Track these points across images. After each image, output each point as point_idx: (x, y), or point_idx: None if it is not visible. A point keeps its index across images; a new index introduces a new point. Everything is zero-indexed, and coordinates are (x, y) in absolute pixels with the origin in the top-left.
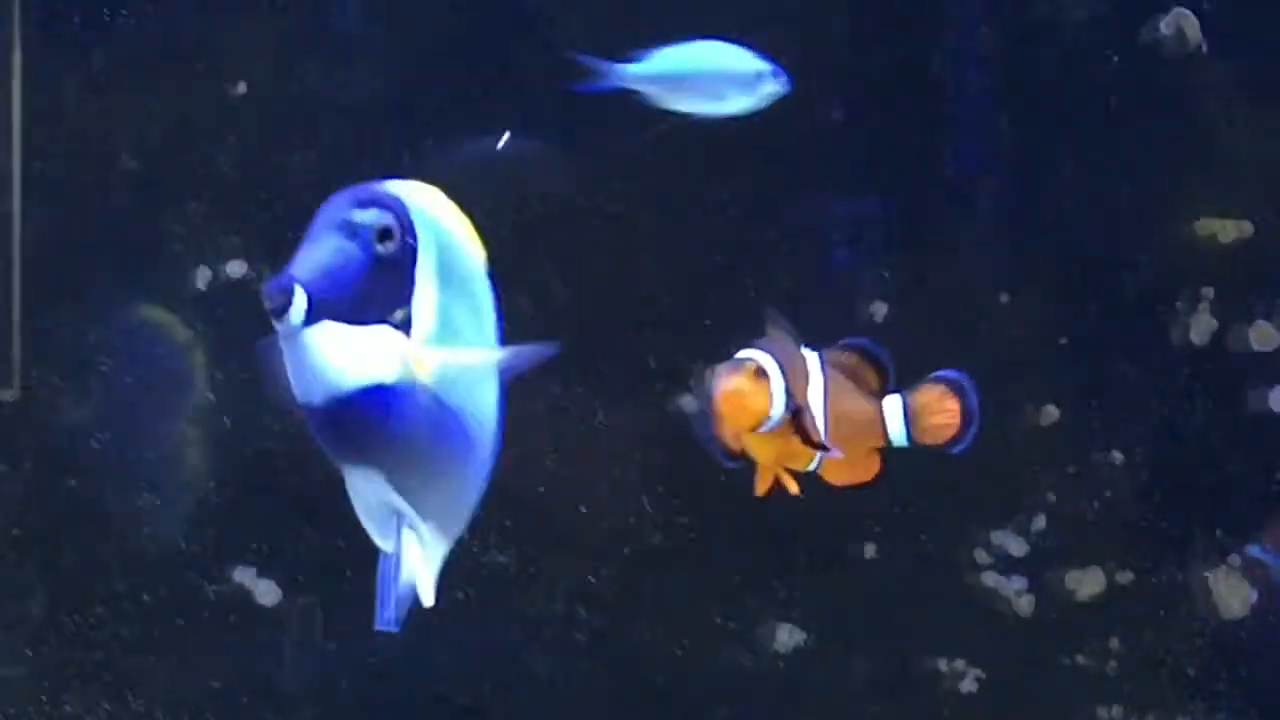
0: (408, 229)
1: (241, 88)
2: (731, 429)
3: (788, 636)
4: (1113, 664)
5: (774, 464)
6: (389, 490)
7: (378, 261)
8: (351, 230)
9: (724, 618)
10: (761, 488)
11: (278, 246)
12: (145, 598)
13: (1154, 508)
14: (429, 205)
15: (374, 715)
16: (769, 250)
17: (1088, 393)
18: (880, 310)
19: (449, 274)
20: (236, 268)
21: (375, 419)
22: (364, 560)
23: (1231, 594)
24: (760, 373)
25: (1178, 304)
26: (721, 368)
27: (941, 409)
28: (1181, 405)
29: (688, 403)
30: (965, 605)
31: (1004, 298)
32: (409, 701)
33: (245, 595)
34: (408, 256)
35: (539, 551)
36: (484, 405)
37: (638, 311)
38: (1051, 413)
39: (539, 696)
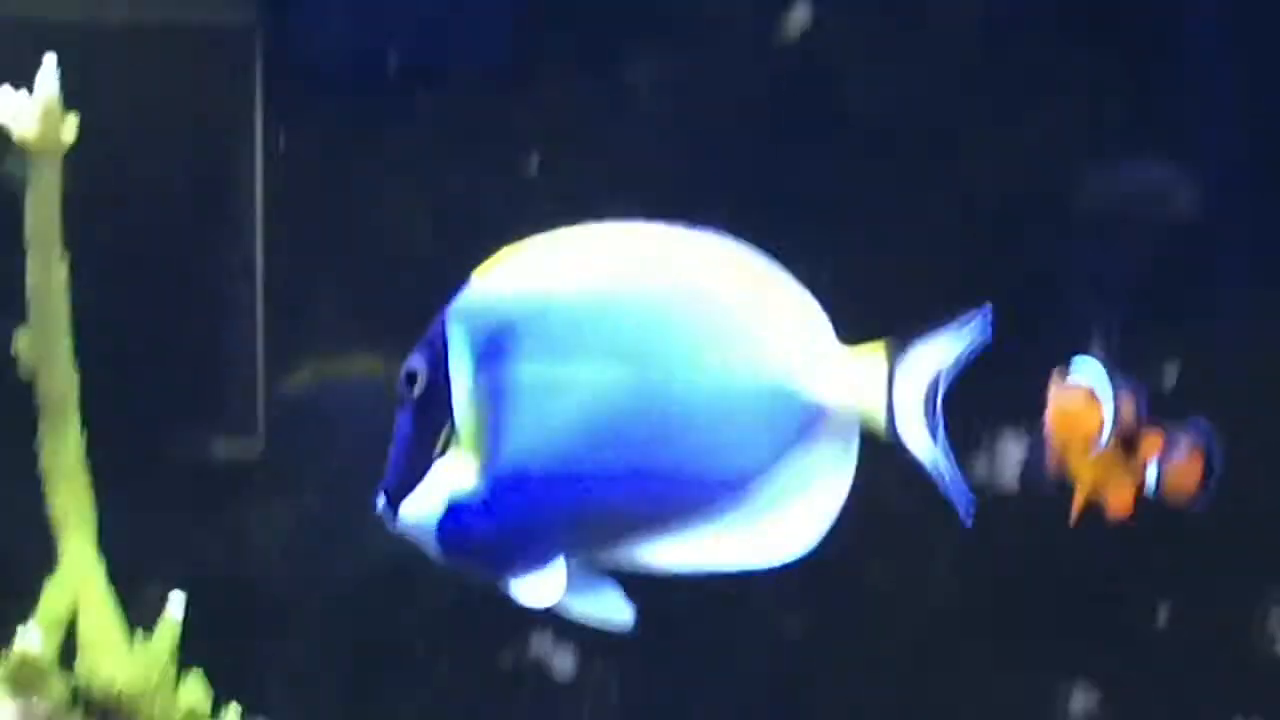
0: (440, 359)
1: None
2: (1061, 448)
3: (1082, 702)
4: None
5: (1095, 489)
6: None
7: (415, 409)
8: (399, 397)
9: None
10: (1077, 509)
11: None
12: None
13: None
14: (472, 296)
15: None
16: None
17: None
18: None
19: (494, 365)
20: None
21: (455, 546)
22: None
23: None
24: (1092, 395)
25: None
26: (1055, 389)
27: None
28: None
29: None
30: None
31: None
32: None
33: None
34: (442, 384)
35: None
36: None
37: None
38: None
39: None
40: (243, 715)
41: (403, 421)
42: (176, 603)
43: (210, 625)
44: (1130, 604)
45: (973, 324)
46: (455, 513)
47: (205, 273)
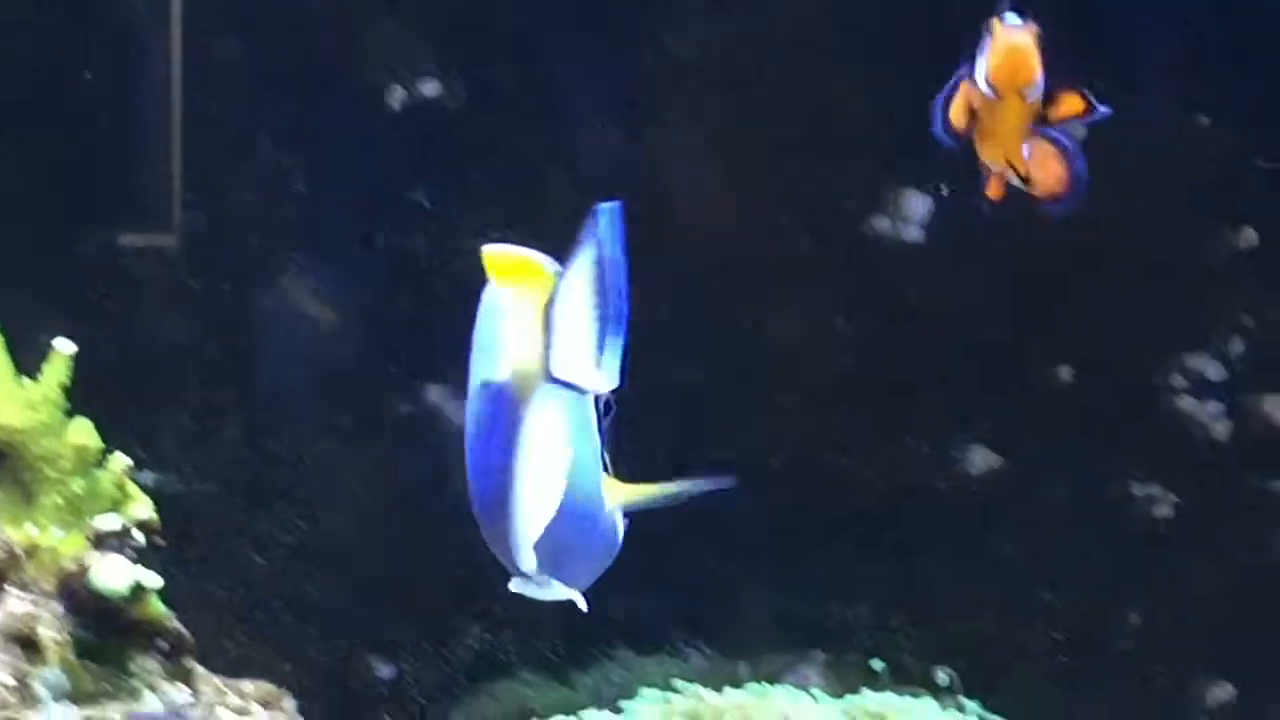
0: None
1: None
2: (1003, 86)
3: (980, 460)
4: None
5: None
6: None
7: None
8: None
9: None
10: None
11: None
12: None
13: None
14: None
15: None
16: None
17: None
18: None
19: None
20: None
21: None
22: None
23: None
24: (1036, 38)
25: None
26: (1001, 30)
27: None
28: None
29: None
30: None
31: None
32: None
33: None
34: None
35: None
36: None
37: None
38: (1250, 236)
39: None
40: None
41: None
42: (65, 344)
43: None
44: (1031, 365)
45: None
46: None
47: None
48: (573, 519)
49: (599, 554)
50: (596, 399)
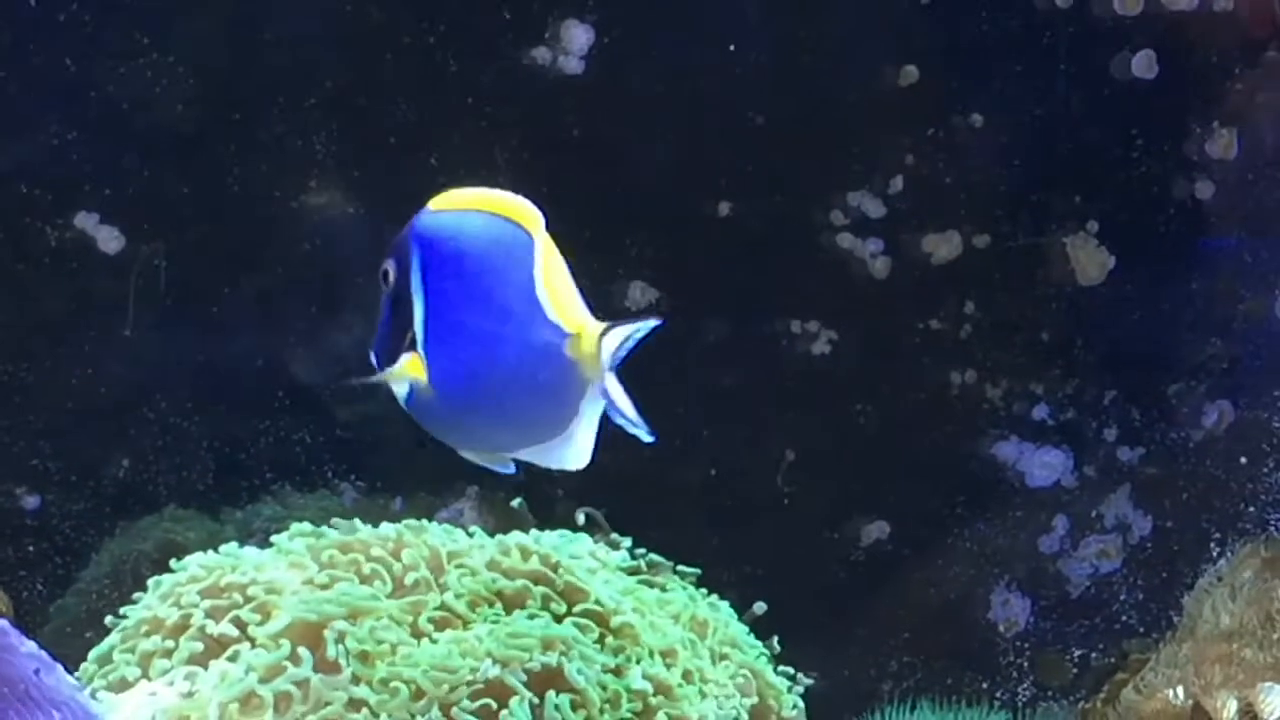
0: (403, 265)
1: None
2: None
3: (640, 295)
4: (967, 328)
5: None
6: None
7: (391, 301)
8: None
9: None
10: None
11: None
12: None
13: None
14: (428, 226)
15: None
16: None
17: (948, 53)
18: None
19: (439, 289)
20: None
21: (420, 420)
22: None
23: (1089, 260)
24: None
25: None
26: None
27: None
28: (1043, 68)
29: None
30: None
31: None
32: None
33: None
34: (405, 286)
35: None
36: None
37: None
38: (911, 73)
39: None
40: None
41: (384, 304)
42: None
43: None
44: (692, 199)
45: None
46: (414, 400)
47: None
48: None
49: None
50: None
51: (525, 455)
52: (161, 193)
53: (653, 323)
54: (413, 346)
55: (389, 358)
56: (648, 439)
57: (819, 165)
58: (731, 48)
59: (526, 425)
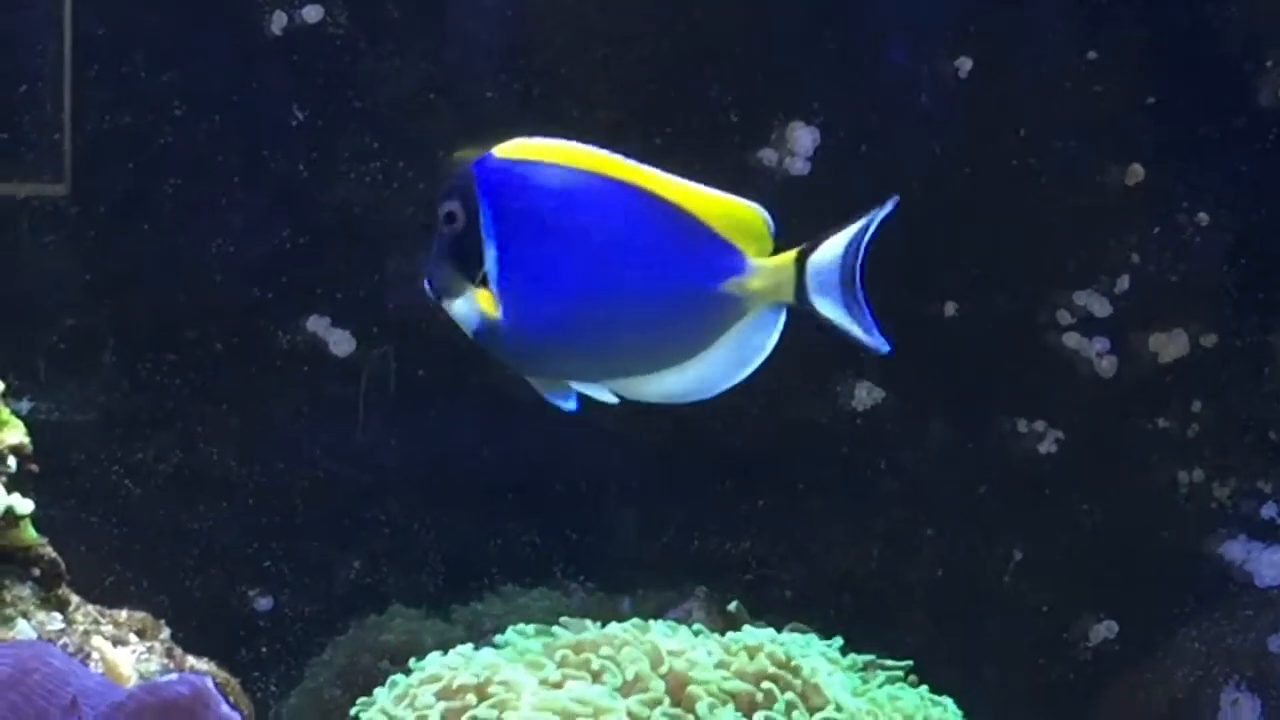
0: (471, 207)
1: None
2: None
3: (866, 395)
4: (1194, 426)
5: None
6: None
7: (454, 242)
8: (441, 218)
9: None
10: None
11: None
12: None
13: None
14: (496, 174)
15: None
16: None
17: (1173, 151)
18: None
19: (513, 232)
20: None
21: (488, 350)
22: None
23: None
24: None
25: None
26: None
27: None
28: (1268, 165)
29: None
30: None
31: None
32: None
33: None
34: (474, 229)
35: None
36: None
37: None
38: (1137, 171)
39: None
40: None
41: (442, 246)
42: None
43: None
44: (918, 299)
45: (872, 213)
46: (484, 332)
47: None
48: None
49: None
50: None
51: (623, 386)
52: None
53: (881, 212)
54: (484, 283)
55: (450, 291)
56: (884, 350)
57: (1045, 264)
58: (956, 147)
59: (638, 355)
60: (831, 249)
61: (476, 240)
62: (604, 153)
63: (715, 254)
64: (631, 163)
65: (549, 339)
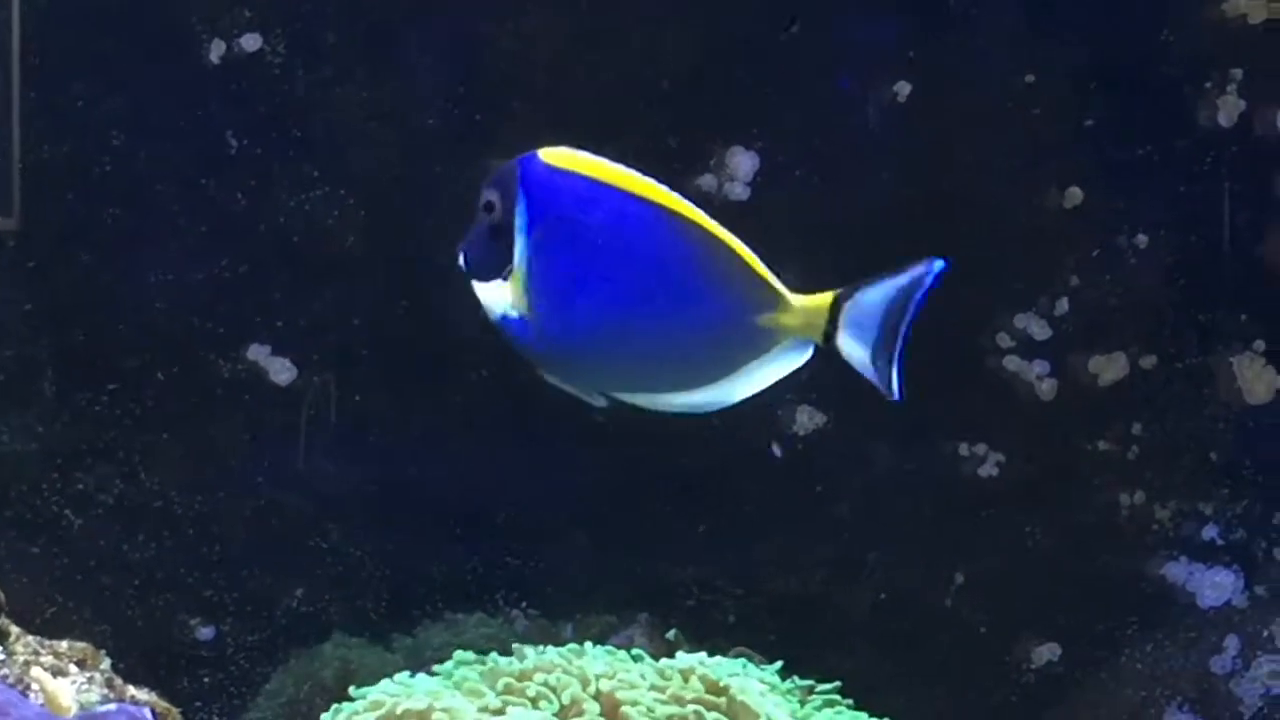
0: (509, 201)
1: None
2: None
3: (807, 419)
4: (1135, 449)
5: None
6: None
7: (490, 230)
8: (480, 205)
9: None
10: None
11: None
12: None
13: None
14: (539, 175)
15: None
16: None
17: (1111, 174)
18: None
19: (548, 233)
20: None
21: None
22: None
23: (1256, 379)
24: None
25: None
26: None
27: None
28: (1207, 188)
29: None
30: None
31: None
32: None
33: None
34: (508, 228)
35: None
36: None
37: None
38: (1075, 195)
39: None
40: None
41: (480, 230)
42: None
43: None
44: None
45: (916, 270)
46: (511, 323)
47: None
48: None
49: None
50: None
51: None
52: (332, 324)
53: (930, 275)
54: (508, 275)
55: (482, 273)
56: (896, 399)
57: (985, 287)
58: (895, 171)
59: (660, 372)
60: (870, 297)
61: (509, 232)
62: (648, 178)
63: (752, 287)
64: (673, 193)
65: (574, 343)
